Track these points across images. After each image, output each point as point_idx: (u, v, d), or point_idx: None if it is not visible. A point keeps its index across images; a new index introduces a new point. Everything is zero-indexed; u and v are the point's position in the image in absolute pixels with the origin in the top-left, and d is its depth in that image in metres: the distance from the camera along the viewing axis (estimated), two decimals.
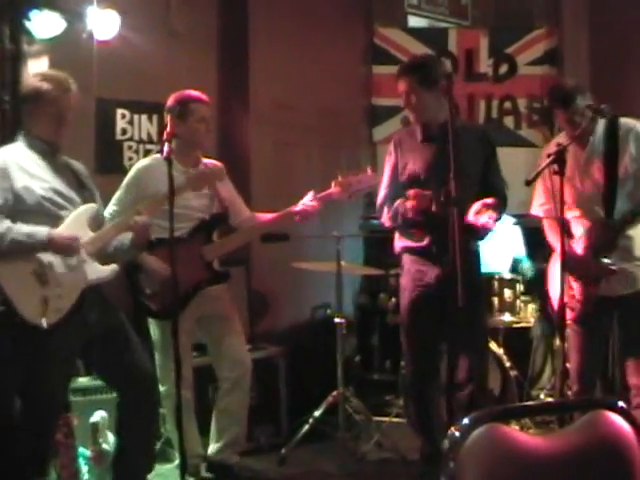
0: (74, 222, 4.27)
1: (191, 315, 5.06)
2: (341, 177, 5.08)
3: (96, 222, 4.42)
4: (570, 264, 4.59)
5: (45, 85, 4.24)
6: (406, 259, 5.03)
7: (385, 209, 5.02)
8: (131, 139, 6.39)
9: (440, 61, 4.93)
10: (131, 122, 6.38)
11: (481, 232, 4.77)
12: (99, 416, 5.05)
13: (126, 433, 4.50)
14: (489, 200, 4.66)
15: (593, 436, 2.24)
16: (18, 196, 4.14)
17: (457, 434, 2.04)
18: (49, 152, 4.31)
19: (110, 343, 4.35)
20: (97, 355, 4.39)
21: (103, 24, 5.81)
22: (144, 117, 6.43)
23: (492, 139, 5.13)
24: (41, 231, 4.13)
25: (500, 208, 4.80)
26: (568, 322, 4.74)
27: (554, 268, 4.90)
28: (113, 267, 4.38)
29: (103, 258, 4.39)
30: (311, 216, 5.15)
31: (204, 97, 5.17)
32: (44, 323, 4.07)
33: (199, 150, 5.23)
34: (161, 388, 5.00)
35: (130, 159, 6.32)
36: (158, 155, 5.20)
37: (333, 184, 5.09)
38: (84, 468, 4.94)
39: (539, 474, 2.11)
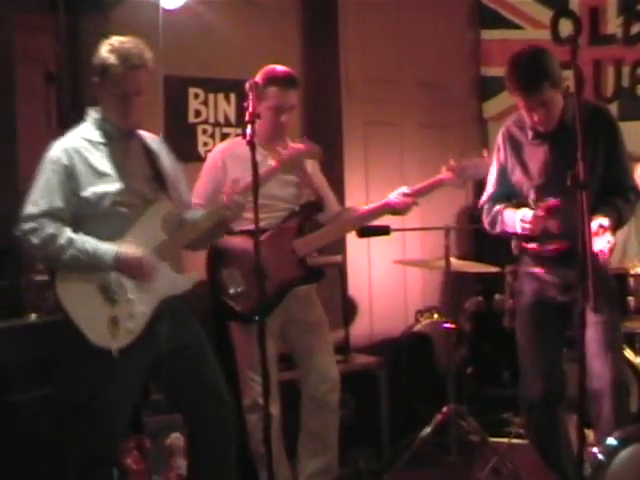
0: (145, 225, 4.24)
1: (278, 319, 5.07)
2: (453, 161, 5.02)
3: (172, 221, 4.37)
4: None
5: (112, 58, 4.16)
6: (525, 261, 4.99)
7: (485, 209, 4.98)
8: (206, 122, 6.41)
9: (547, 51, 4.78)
10: (205, 102, 6.40)
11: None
12: (174, 438, 5.08)
13: (199, 463, 4.48)
14: (605, 222, 4.54)
15: None
16: (85, 201, 4.11)
17: (601, 457, 1.98)
18: (118, 137, 4.27)
19: (181, 361, 4.30)
20: (165, 373, 4.32)
21: None
22: (220, 96, 6.44)
23: (612, 119, 4.95)
24: (108, 251, 4.09)
25: (623, 221, 4.73)
26: None
27: None
28: (192, 277, 4.35)
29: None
30: (409, 209, 5.11)
31: (292, 78, 5.15)
32: (115, 348, 4.04)
33: (278, 138, 5.19)
34: (245, 401, 5.00)
35: (205, 144, 6.35)
36: (238, 138, 5.23)
37: (444, 169, 5.03)
38: None
39: None
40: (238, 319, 5.08)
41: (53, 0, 5.34)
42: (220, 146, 5.36)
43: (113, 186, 4.15)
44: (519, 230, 4.70)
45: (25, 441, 4.46)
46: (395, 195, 5.10)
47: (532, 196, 4.80)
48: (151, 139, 4.46)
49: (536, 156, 4.82)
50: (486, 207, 4.99)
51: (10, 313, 4.72)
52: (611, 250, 4.49)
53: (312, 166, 5.30)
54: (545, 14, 7.51)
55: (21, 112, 5.21)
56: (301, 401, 5.31)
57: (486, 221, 4.98)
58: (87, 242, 4.07)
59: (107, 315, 4.08)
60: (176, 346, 4.27)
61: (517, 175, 4.89)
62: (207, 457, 4.42)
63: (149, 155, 4.37)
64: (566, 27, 7.47)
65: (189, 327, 4.42)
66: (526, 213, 4.65)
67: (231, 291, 5.00)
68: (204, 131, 6.40)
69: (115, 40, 4.22)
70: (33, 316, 4.79)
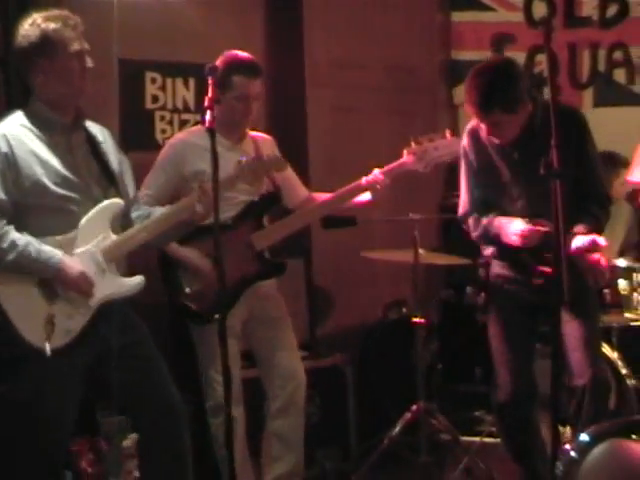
0: (93, 223, 4.19)
1: (239, 317, 5.08)
2: (414, 144, 5.05)
3: (122, 220, 4.35)
4: None
5: (51, 25, 4.09)
6: (495, 263, 5.09)
7: (470, 221, 5.01)
8: (164, 108, 6.40)
9: (512, 62, 4.85)
10: (163, 88, 6.39)
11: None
12: (132, 440, 5.09)
13: (146, 463, 4.49)
14: (601, 240, 4.61)
15: None
16: (28, 191, 4.07)
17: (573, 454, 2.03)
18: (60, 124, 4.20)
19: (125, 362, 4.23)
20: (106, 375, 4.24)
21: None
22: (179, 81, 6.43)
23: (582, 120, 4.98)
24: (51, 259, 4.04)
25: (600, 230, 4.80)
26: None
27: None
28: (138, 280, 4.30)
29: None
30: (379, 193, 5.13)
31: (255, 65, 5.17)
32: (47, 349, 3.97)
33: (240, 127, 5.23)
34: (207, 403, 5.03)
35: (163, 132, 6.34)
36: (196, 127, 5.24)
37: (405, 152, 5.07)
38: None
39: None
40: (196, 320, 5.09)
41: None
42: (177, 136, 5.37)
43: (55, 177, 4.10)
44: (512, 240, 4.76)
45: None
46: (364, 179, 5.12)
47: (504, 198, 4.87)
48: (96, 129, 4.40)
49: (504, 161, 4.87)
50: (471, 219, 5.02)
51: None
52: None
53: (273, 152, 5.29)
54: None
55: None
56: (265, 400, 5.33)
57: (475, 233, 5.01)
58: (30, 245, 4.02)
59: (44, 313, 4.04)
60: (119, 347, 4.21)
61: (487, 177, 4.93)
62: (156, 460, 4.41)
63: (95, 148, 4.32)
64: (540, 9, 7.65)
65: (134, 329, 4.37)
66: (521, 226, 4.71)
67: (187, 291, 5.02)
68: (162, 118, 6.38)
69: (41, 14, 4.16)
70: None
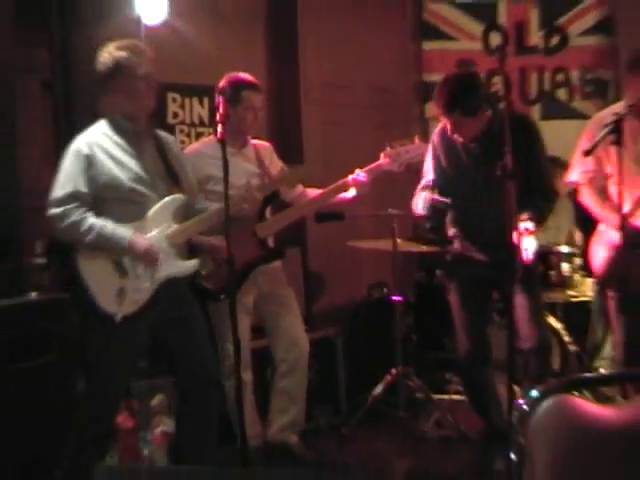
0: (159, 214, 4.28)
1: (248, 295, 5.10)
2: (389, 148, 5.06)
3: (183, 212, 4.42)
4: (631, 237, 4.53)
5: (122, 53, 4.22)
6: (456, 243, 5.08)
7: (421, 200, 5.02)
8: (183, 122, 6.44)
9: (474, 74, 4.87)
10: (182, 106, 6.41)
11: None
12: (159, 400, 5.09)
13: (185, 421, 4.53)
14: (530, 225, 4.62)
15: None
16: (106, 186, 4.17)
17: (525, 407, 2.02)
18: (134, 132, 4.29)
19: (177, 330, 4.36)
20: (162, 342, 4.41)
21: (151, 9, 5.83)
22: (195, 100, 6.46)
23: (534, 125, 5.01)
24: (123, 236, 4.16)
25: (544, 218, 4.86)
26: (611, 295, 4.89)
27: (602, 239, 4.93)
28: (193, 263, 4.41)
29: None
30: (363, 187, 5.13)
31: (257, 83, 5.17)
32: (119, 315, 4.13)
33: (246, 135, 5.24)
34: (221, 368, 5.03)
35: (182, 142, 6.32)
36: (207, 138, 5.25)
37: (382, 155, 5.08)
38: (145, 451, 4.98)
39: (612, 446, 2.08)
40: (211, 297, 5.08)
41: (47, 19, 5.33)
42: (190, 147, 5.38)
43: (129, 174, 4.20)
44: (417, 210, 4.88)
45: (29, 407, 4.45)
46: (349, 177, 5.13)
47: (464, 188, 4.88)
48: (165, 137, 4.53)
49: (467, 156, 4.88)
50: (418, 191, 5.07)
51: (14, 292, 4.72)
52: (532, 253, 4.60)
53: (270, 157, 5.33)
54: (477, 28, 7.59)
55: (21, 117, 5.19)
56: (273, 364, 5.34)
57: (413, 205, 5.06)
58: (105, 227, 4.14)
59: (117, 286, 4.17)
60: (174, 318, 4.33)
61: (451, 169, 4.94)
62: (192, 416, 4.47)
63: (162, 152, 4.40)
64: (495, 39, 7.65)
65: (187, 304, 4.46)
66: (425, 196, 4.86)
67: (202, 272, 5.02)
68: (181, 130, 6.42)
69: (114, 43, 4.29)
70: (33, 294, 4.78)
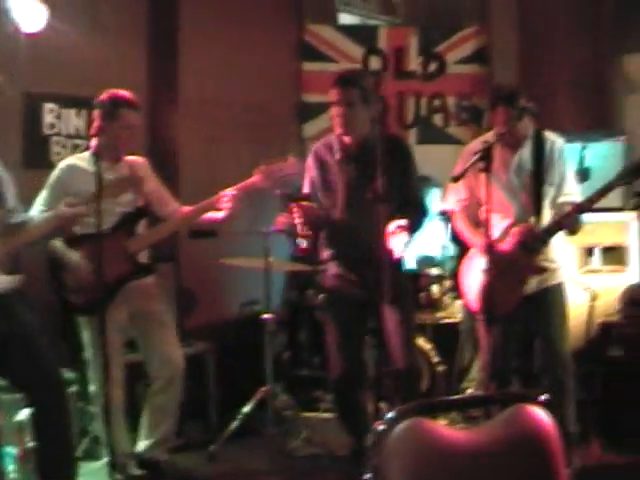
0: None
1: (120, 311, 5.03)
2: (263, 166, 5.11)
3: (3, 227, 4.34)
4: (498, 262, 4.68)
5: None
6: (330, 265, 5.11)
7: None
8: (59, 134, 6.31)
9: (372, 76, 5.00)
10: (59, 117, 6.30)
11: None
12: (25, 414, 4.99)
13: (39, 435, 4.44)
14: (403, 222, 4.70)
15: (515, 429, 2.28)
16: None
17: (381, 428, 2.07)
18: None
19: (11, 347, 4.25)
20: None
21: (30, 17, 5.74)
22: (72, 112, 6.35)
23: (407, 148, 5.15)
24: None
25: (415, 228, 4.89)
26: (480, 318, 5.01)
27: (472, 264, 5.08)
28: (15, 279, 4.30)
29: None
30: (232, 207, 5.15)
31: (136, 102, 5.12)
32: None
33: (121, 152, 5.19)
34: (91, 387, 4.97)
35: (58, 154, 6.23)
36: (83, 154, 5.19)
37: (255, 172, 5.11)
38: (10, 467, 4.87)
39: (462, 467, 2.15)
40: (79, 312, 5.02)
41: None
42: (65, 161, 5.27)
43: None
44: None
45: None
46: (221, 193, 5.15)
47: (336, 204, 4.94)
48: None
49: (341, 174, 4.94)
50: None
51: None
52: (406, 247, 4.67)
53: (145, 172, 5.30)
54: (357, 51, 7.70)
55: None
56: (145, 380, 5.30)
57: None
58: None
59: None
60: (5, 333, 4.22)
61: (323, 190, 5.00)
62: (44, 434, 4.39)
63: None
64: (375, 63, 7.78)
65: (18, 318, 4.34)
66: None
67: (70, 287, 4.96)
68: (57, 142, 6.29)
69: None
70: None
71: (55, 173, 5.11)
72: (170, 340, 5.27)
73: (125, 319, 5.11)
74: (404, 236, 4.64)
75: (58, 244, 4.93)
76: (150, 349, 5.22)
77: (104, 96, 5.05)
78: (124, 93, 5.10)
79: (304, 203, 4.86)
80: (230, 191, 5.11)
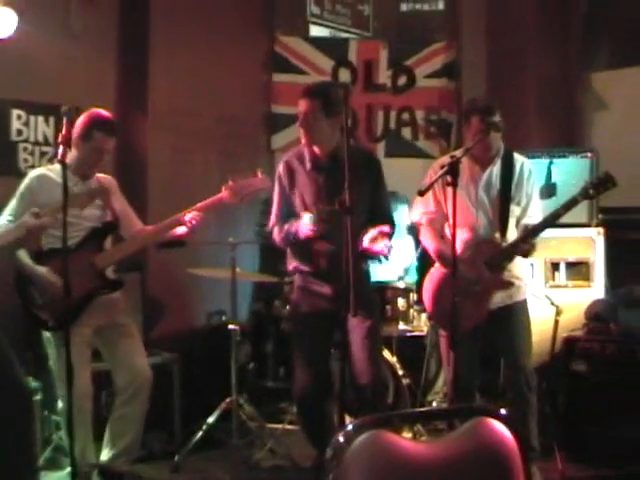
0: None
1: (87, 326, 5.01)
2: (231, 181, 5.10)
3: None
4: (463, 276, 4.72)
5: None
6: (298, 277, 5.11)
7: (276, 229, 5.08)
8: (27, 141, 6.27)
9: (340, 88, 4.98)
10: (27, 123, 6.27)
11: (375, 258, 4.86)
12: None
13: (2, 443, 4.35)
14: (385, 228, 4.73)
15: (475, 442, 2.29)
16: None
17: (341, 440, 2.07)
18: None
19: None
20: None
21: None
22: (40, 119, 6.32)
23: (378, 162, 5.17)
24: None
25: (392, 235, 4.91)
26: (442, 333, 5.18)
27: (436, 277, 5.13)
28: None
29: None
30: (194, 226, 5.14)
31: (112, 127, 5.10)
32: None
33: (90, 172, 5.17)
34: (59, 403, 4.95)
35: (25, 161, 6.22)
36: (53, 165, 5.16)
37: (223, 188, 5.11)
38: None
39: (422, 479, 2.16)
40: (45, 327, 4.98)
41: None
42: (34, 171, 5.22)
43: None
44: (306, 232, 4.83)
45: None
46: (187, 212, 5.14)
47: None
48: None
49: (311, 184, 4.95)
50: (276, 228, 5.08)
51: None
52: (389, 249, 4.68)
53: (114, 189, 5.30)
54: (327, 63, 7.72)
55: None
56: (109, 389, 5.29)
57: (278, 238, 5.06)
58: None
59: None
60: None
61: (295, 200, 5.01)
62: (7, 443, 4.29)
63: None
64: (345, 75, 7.80)
65: None
66: (310, 216, 4.79)
67: (38, 302, 4.93)
68: (25, 149, 6.25)
69: None
70: None
71: (25, 183, 5.08)
72: (137, 351, 5.24)
73: (91, 332, 5.09)
74: (387, 242, 4.67)
75: (26, 259, 4.90)
76: (117, 360, 5.19)
77: (85, 115, 5.04)
78: (104, 115, 5.09)
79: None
80: (196, 209, 5.10)
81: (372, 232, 4.69)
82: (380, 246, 4.68)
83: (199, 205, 5.13)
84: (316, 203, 4.90)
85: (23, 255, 4.89)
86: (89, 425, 5.06)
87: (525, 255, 5.10)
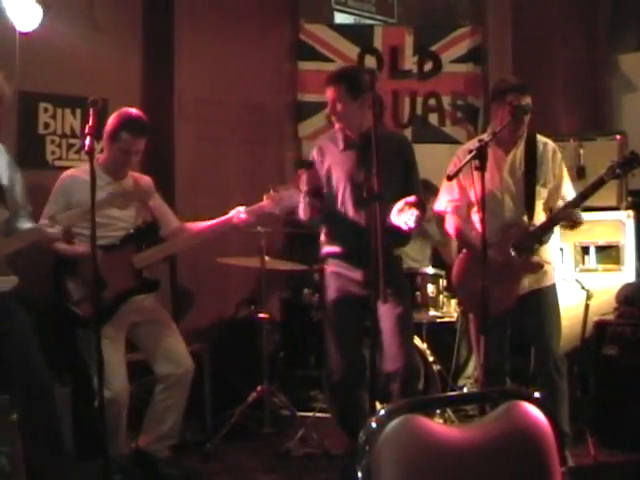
0: None
1: (122, 323, 5.05)
2: (273, 191, 5.06)
3: (5, 228, 4.37)
4: (492, 262, 4.69)
5: None
6: (330, 262, 5.08)
7: (301, 205, 5.05)
8: (54, 133, 6.31)
9: (366, 72, 4.95)
10: (54, 116, 6.30)
11: (404, 232, 4.77)
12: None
13: (26, 434, 4.37)
14: (411, 198, 4.67)
15: (508, 426, 2.27)
16: None
17: (373, 425, 2.07)
18: None
19: (7, 347, 4.28)
20: None
21: (26, 16, 5.75)
22: (67, 111, 6.35)
23: (411, 147, 5.16)
24: None
25: (422, 206, 4.85)
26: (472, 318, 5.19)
27: (467, 264, 5.11)
28: (12, 279, 4.31)
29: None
30: (241, 228, 5.17)
31: (142, 127, 5.10)
32: None
33: (120, 172, 5.19)
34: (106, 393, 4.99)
35: (53, 153, 6.26)
36: (84, 166, 5.17)
37: (265, 197, 5.07)
38: (8, 468, 4.85)
39: (455, 464, 2.14)
40: (80, 324, 5.00)
41: None
42: (66, 172, 5.22)
43: None
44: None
45: None
46: (234, 214, 5.13)
47: (337, 196, 4.93)
48: None
49: (344, 161, 4.94)
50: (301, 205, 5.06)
51: None
52: (417, 221, 4.60)
53: (150, 189, 5.33)
54: (353, 50, 7.70)
55: None
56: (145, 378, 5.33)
57: (302, 211, 5.03)
58: None
59: None
60: (1, 333, 4.24)
61: (332, 180, 4.99)
62: (31, 428, 4.37)
63: None
64: (371, 62, 7.77)
65: (11, 317, 4.37)
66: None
67: (75, 298, 4.95)
68: (52, 141, 6.29)
69: None
70: None
71: (57, 185, 5.10)
72: (177, 341, 5.29)
73: (126, 328, 5.13)
74: (414, 211, 4.61)
75: (62, 244, 4.91)
76: (158, 351, 5.21)
77: (115, 114, 5.06)
78: (133, 115, 5.10)
79: (310, 170, 4.91)
80: (241, 213, 5.10)
81: (399, 204, 4.64)
82: (407, 216, 4.61)
83: (250, 209, 5.12)
84: (346, 179, 4.90)
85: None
86: (124, 419, 5.10)
87: (572, 226, 5.07)
